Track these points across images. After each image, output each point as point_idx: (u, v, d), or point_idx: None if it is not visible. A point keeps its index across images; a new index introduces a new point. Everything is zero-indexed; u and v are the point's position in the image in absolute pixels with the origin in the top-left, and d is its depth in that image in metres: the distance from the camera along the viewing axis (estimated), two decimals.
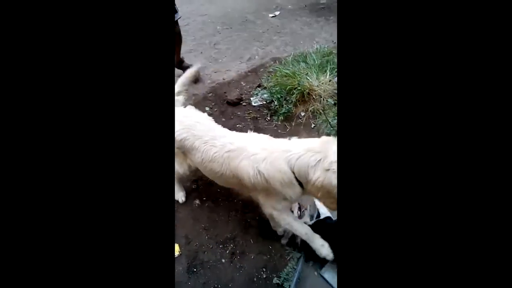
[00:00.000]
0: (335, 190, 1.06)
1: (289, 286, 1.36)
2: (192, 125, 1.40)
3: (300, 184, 1.18)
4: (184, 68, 2.68)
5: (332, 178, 1.06)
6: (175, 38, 2.48)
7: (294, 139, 1.25)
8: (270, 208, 1.35)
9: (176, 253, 1.55)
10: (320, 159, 1.09)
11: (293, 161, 1.14)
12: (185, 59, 2.81)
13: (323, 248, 1.34)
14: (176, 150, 1.44)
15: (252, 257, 1.51)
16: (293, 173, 1.15)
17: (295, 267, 1.43)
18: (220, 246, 1.56)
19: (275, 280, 1.41)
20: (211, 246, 1.57)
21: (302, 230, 1.37)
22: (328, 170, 1.07)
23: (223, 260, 1.51)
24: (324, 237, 1.36)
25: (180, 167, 1.53)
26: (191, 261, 1.52)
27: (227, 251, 1.54)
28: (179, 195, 1.74)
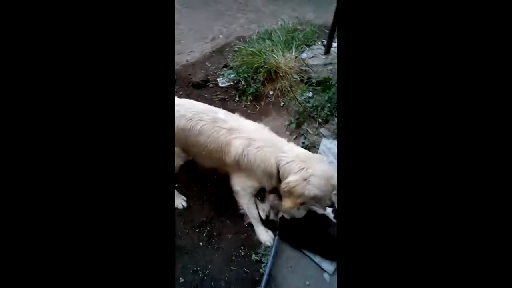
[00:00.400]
0: (299, 197, 1.28)
1: (267, 260, 1.40)
2: (187, 108, 1.43)
3: (279, 180, 1.34)
4: None
5: (305, 188, 1.25)
6: None
7: (291, 144, 1.39)
8: (239, 186, 1.47)
9: None
10: (303, 168, 1.26)
11: (283, 162, 1.30)
12: None
13: (263, 234, 1.50)
14: None
15: (229, 237, 1.52)
16: (278, 170, 1.31)
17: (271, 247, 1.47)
18: (197, 230, 1.55)
19: (254, 257, 1.44)
20: (187, 231, 1.55)
21: (253, 213, 1.52)
22: (305, 180, 1.25)
23: (201, 243, 1.50)
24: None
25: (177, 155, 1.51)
26: None
27: (204, 234, 1.53)
28: (179, 201, 1.63)
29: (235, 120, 1.41)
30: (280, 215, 1.50)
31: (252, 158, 1.33)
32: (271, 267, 1.39)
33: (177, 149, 1.47)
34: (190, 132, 1.38)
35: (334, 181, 1.28)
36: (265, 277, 1.34)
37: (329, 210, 1.49)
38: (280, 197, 1.43)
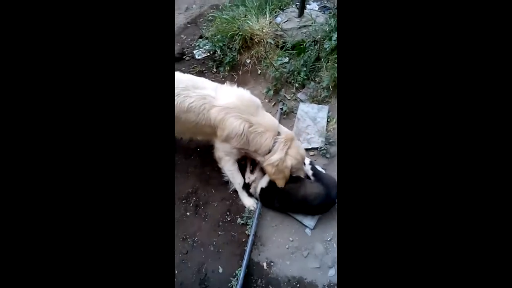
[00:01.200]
0: (286, 170, 1.41)
1: (252, 222, 1.47)
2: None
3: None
4: None
5: (288, 160, 1.40)
6: None
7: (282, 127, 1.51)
8: (222, 152, 1.50)
9: None
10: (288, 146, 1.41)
11: (276, 143, 1.41)
12: None
13: (247, 199, 1.58)
14: None
15: (215, 204, 1.59)
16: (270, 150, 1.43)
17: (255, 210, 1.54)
18: (183, 202, 1.60)
19: (239, 221, 1.52)
20: (176, 202, 1.60)
21: (237, 180, 1.56)
22: (287, 154, 1.40)
23: (188, 213, 1.57)
24: None
25: None
26: None
27: (191, 205, 1.59)
28: None
29: (225, 95, 1.41)
30: (258, 187, 1.56)
31: (251, 139, 1.40)
32: (256, 228, 1.47)
33: None
34: (178, 108, 1.37)
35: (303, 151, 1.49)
36: (250, 237, 1.42)
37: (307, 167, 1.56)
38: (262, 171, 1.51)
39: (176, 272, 1.39)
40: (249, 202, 1.56)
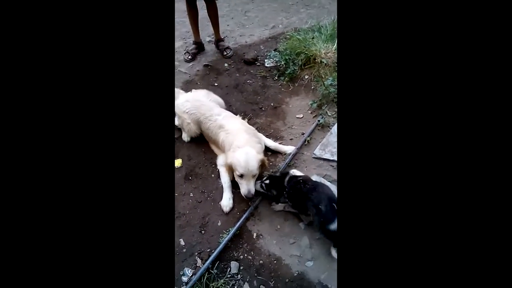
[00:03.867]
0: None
1: (257, 198, 1.72)
2: (197, 106, 2.03)
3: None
4: (219, 47, 2.94)
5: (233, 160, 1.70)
6: (212, 5, 2.71)
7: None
8: (221, 160, 1.90)
9: (179, 165, 1.99)
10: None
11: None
12: (224, 39, 3.04)
13: (225, 199, 1.76)
14: (191, 121, 2.04)
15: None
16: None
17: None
18: (212, 166, 1.96)
19: None
20: (205, 165, 1.97)
21: (224, 179, 1.83)
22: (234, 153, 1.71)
23: (212, 175, 1.91)
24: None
25: (195, 131, 2.08)
26: (189, 172, 1.94)
27: (216, 171, 1.93)
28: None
29: (228, 123, 1.91)
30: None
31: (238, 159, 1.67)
32: (258, 203, 1.71)
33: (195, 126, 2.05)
34: (204, 125, 1.98)
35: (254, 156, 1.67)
36: (250, 208, 1.67)
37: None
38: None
39: (187, 212, 1.73)
40: (224, 203, 1.74)
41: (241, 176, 1.65)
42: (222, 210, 1.73)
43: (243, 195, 1.68)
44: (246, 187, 1.65)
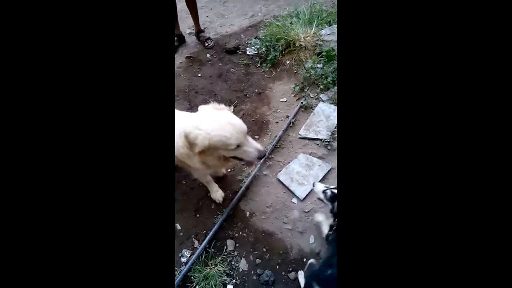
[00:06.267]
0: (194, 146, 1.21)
1: (247, 179, 1.80)
2: None
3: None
4: (200, 38, 2.94)
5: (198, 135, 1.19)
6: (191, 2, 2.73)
7: None
8: (197, 174, 1.63)
9: None
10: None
11: None
12: (205, 30, 3.03)
13: (215, 193, 1.73)
14: None
15: None
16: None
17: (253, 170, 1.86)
18: None
19: (238, 177, 1.85)
20: None
21: (204, 180, 1.69)
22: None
23: None
24: None
25: None
26: None
27: None
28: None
29: None
30: None
31: None
32: (249, 184, 1.79)
33: None
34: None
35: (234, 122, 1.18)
36: (242, 188, 1.75)
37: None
38: None
39: (182, 198, 1.78)
40: (216, 195, 1.74)
41: (238, 146, 1.18)
42: (216, 202, 1.76)
43: (256, 158, 1.23)
44: (253, 148, 1.21)
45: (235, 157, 1.26)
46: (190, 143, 1.16)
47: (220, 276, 1.47)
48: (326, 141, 1.96)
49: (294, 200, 1.74)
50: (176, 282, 1.42)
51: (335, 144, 1.95)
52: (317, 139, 2.00)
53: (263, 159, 1.33)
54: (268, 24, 2.84)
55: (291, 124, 2.10)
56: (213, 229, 1.59)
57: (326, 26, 2.60)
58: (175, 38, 2.94)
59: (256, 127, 2.14)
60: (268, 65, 2.57)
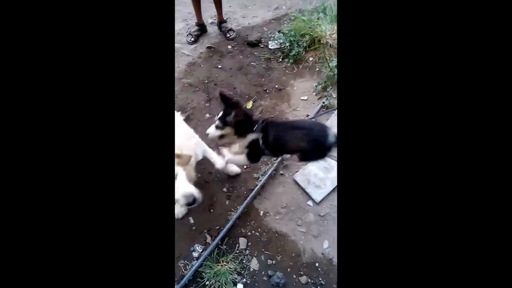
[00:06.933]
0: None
1: (263, 177, 1.76)
2: None
3: None
4: (222, 29, 2.89)
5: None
6: None
7: None
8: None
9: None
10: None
11: None
12: (227, 21, 2.96)
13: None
14: None
15: None
16: None
17: (269, 168, 1.82)
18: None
19: (254, 175, 1.82)
20: (211, 146, 2.00)
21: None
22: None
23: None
24: None
25: None
26: None
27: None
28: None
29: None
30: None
31: None
32: (264, 182, 1.76)
33: None
34: None
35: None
36: (257, 187, 1.71)
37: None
38: None
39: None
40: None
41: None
42: (230, 199, 1.73)
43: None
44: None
45: None
46: None
47: (231, 274, 1.46)
48: None
49: (310, 202, 1.70)
50: (187, 276, 1.41)
51: None
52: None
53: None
54: (293, 18, 2.76)
55: None
56: (227, 226, 1.57)
57: None
58: (197, 27, 2.89)
59: None
60: (290, 60, 2.50)
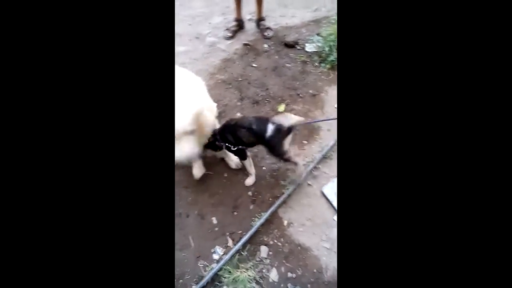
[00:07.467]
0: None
1: (291, 186, 1.71)
2: None
3: None
4: (260, 27, 2.84)
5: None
6: None
7: None
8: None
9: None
10: None
11: None
12: (265, 19, 2.88)
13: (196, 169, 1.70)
14: None
15: (268, 162, 1.88)
16: None
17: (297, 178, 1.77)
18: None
19: (282, 182, 1.77)
20: None
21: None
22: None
23: None
24: None
25: None
26: None
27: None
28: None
29: None
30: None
31: None
32: (292, 192, 1.71)
33: None
34: None
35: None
36: (284, 196, 1.67)
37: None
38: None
39: (220, 191, 1.75)
40: (195, 172, 1.74)
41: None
42: (254, 202, 1.71)
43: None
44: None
45: None
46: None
47: (249, 282, 1.42)
48: None
49: (336, 218, 1.64)
50: (206, 278, 1.40)
51: None
52: None
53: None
54: (333, 22, 2.66)
55: None
56: (250, 233, 1.54)
57: None
58: (235, 23, 2.85)
59: (306, 131, 2.03)
60: (327, 66, 2.42)
